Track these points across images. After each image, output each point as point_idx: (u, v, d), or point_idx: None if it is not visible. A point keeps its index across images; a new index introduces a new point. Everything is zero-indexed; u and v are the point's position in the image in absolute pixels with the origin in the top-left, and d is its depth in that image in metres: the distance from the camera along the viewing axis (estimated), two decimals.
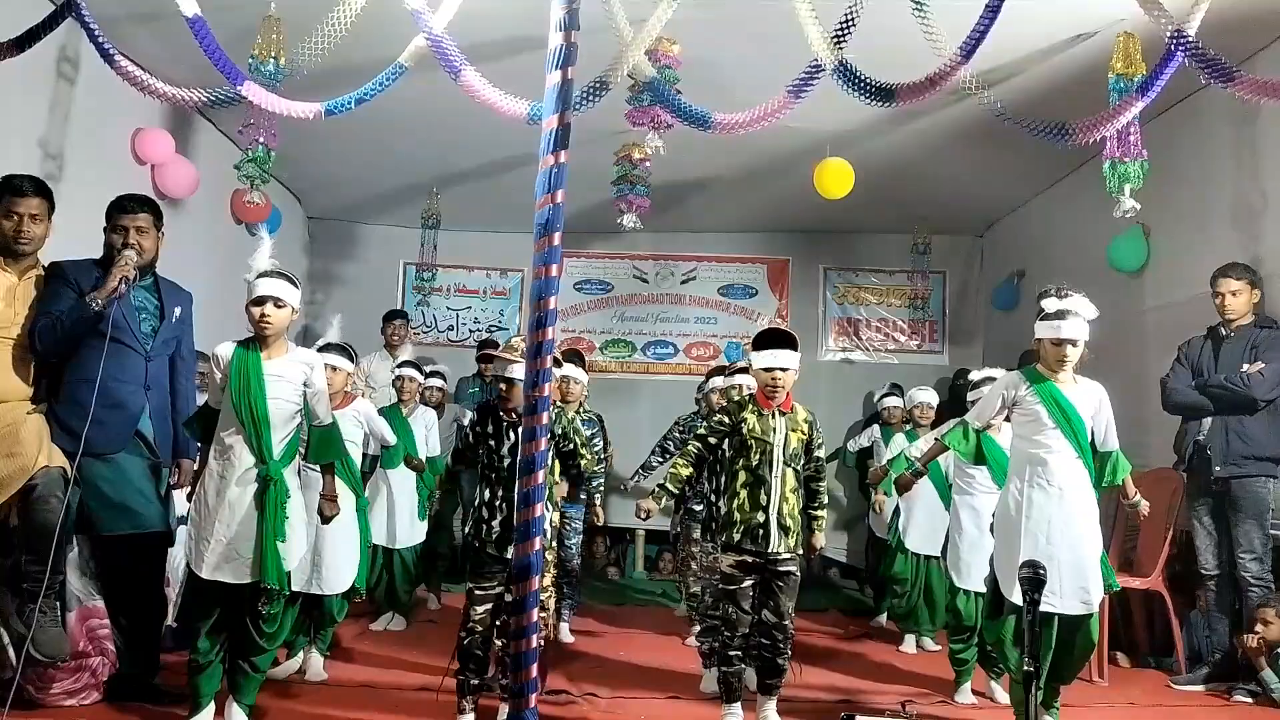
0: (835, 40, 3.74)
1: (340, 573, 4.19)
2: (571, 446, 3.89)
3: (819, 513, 3.94)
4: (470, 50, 4.07)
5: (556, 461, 3.98)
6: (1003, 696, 4.14)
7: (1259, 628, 4.27)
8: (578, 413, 5.45)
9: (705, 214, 8.15)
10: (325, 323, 8.50)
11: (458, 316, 8.93)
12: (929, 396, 5.90)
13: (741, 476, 3.76)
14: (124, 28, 4.67)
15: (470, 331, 8.83)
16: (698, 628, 4.86)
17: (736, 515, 3.73)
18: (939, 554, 4.89)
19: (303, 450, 3.57)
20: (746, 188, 7.43)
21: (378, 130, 6.23)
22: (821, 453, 3.95)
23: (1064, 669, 3.50)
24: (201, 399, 3.96)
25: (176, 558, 4.00)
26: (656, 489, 3.92)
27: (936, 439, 4.12)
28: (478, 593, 3.60)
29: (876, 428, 6.98)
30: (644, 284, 8.91)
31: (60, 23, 4.23)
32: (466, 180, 7.37)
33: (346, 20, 4.01)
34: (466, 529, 3.72)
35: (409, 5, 3.99)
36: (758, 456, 3.74)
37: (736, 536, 3.70)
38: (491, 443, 3.69)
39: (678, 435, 5.86)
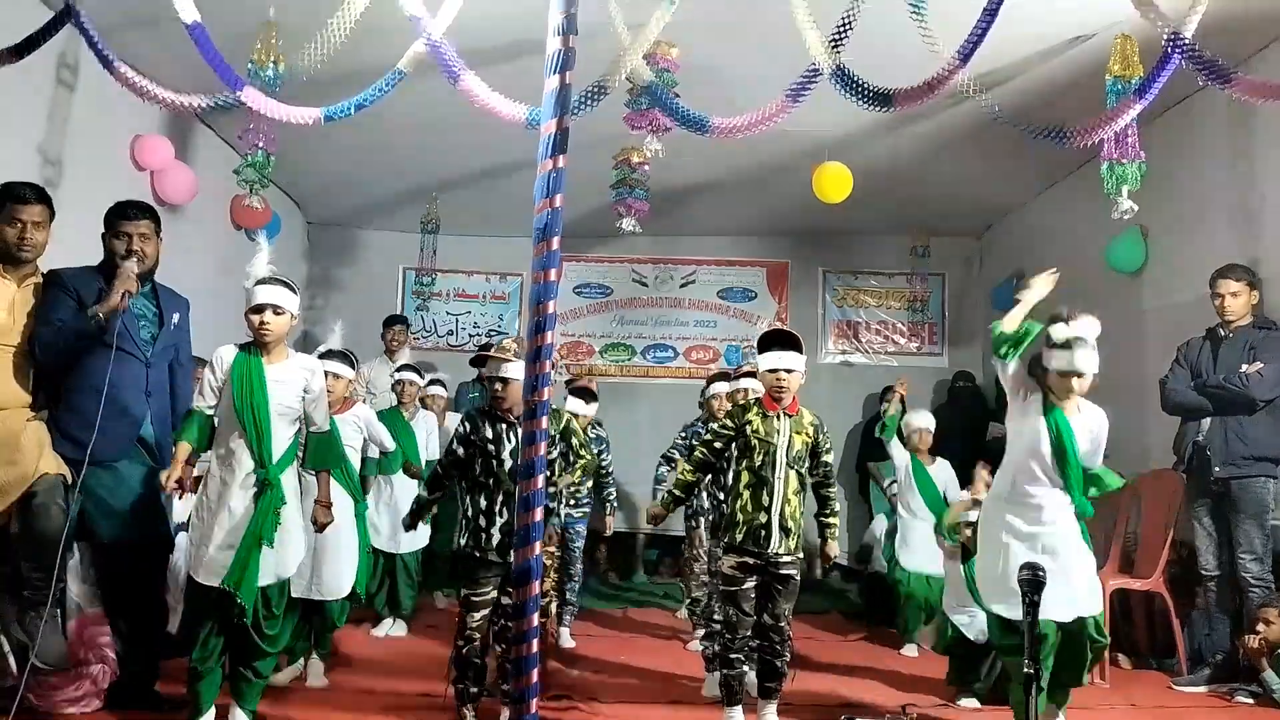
0: (833, 44, 3.75)
1: (339, 578, 4.19)
2: (565, 448, 3.92)
3: (831, 520, 3.92)
4: (469, 55, 4.07)
5: (560, 459, 3.99)
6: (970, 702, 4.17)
7: (1261, 628, 4.26)
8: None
9: (704, 217, 8.16)
10: (326, 328, 8.52)
11: (457, 321, 8.94)
12: (925, 421, 5.72)
13: (745, 477, 3.76)
14: (123, 34, 4.68)
15: (470, 336, 8.83)
16: (700, 632, 4.86)
17: (739, 516, 3.73)
18: (939, 572, 4.97)
19: (301, 455, 3.57)
20: (745, 191, 7.44)
21: (377, 136, 6.24)
22: (830, 458, 3.94)
23: (1066, 673, 3.49)
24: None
25: (178, 565, 4.00)
26: (665, 495, 3.97)
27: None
28: (474, 599, 3.58)
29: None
30: (643, 288, 8.92)
31: (59, 29, 4.24)
32: (466, 185, 7.38)
33: (346, 26, 4.02)
34: (461, 539, 3.66)
35: (408, 11, 4.00)
36: (761, 457, 3.74)
37: (739, 537, 3.70)
38: (491, 447, 3.67)
39: (681, 443, 5.85)
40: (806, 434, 3.82)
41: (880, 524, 6.23)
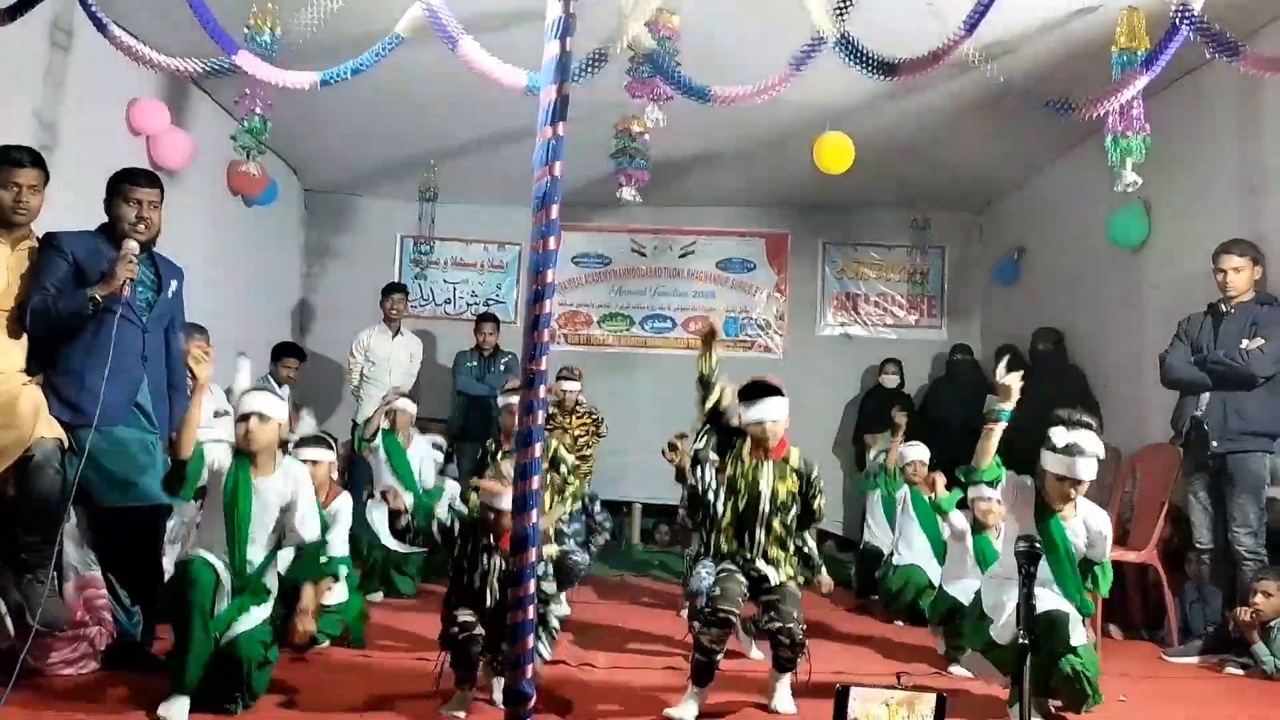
0: (837, 13, 3.70)
1: None
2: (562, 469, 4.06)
3: (810, 547, 3.83)
4: (467, 20, 4.03)
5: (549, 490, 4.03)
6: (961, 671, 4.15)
7: (1257, 599, 4.29)
8: (574, 413, 5.69)
9: (704, 188, 8.11)
10: (323, 296, 8.57)
11: (455, 290, 8.91)
12: (920, 454, 5.63)
13: (728, 516, 3.68)
14: None
15: (468, 305, 8.81)
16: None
17: (723, 544, 3.68)
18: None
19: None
20: (746, 162, 7.39)
21: (375, 102, 6.19)
22: (823, 502, 3.79)
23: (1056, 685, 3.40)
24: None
25: (174, 529, 4.02)
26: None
27: None
28: (456, 600, 3.48)
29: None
30: (642, 258, 8.88)
31: None
32: (464, 153, 7.33)
33: None
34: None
35: None
36: (744, 502, 3.65)
37: (725, 550, 3.67)
38: (465, 563, 3.53)
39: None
40: (791, 483, 3.69)
41: (875, 504, 6.21)
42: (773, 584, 3.59)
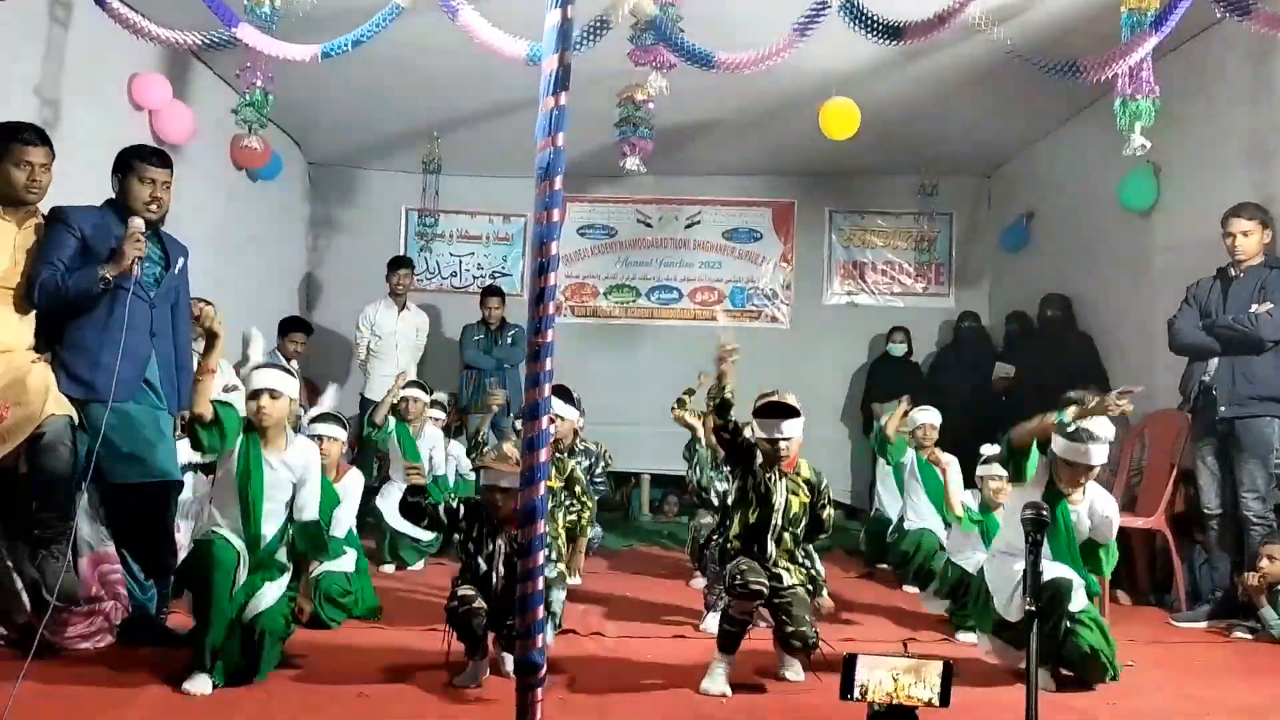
0: None
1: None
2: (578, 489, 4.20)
3: (816, 566, 3.83)
4: None
5: (559, 510, 4.04)
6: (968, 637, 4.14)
7: (1264, 563, 4.30)
8: (573, 446, 5.16)
9: (709, 156, 8.05)
10: (328, 270, 8.55)
11: (460, 263, 8.88)
12: (931, 417, 5.59)
13: (736, 528, 3.64)
14: None
15: (473, 278, 8.78)
16: (701, 581, 4.91)
17: (736, 546, 3.64)
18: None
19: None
20: (751, 129, 7.33)
21: (377, 74, 6.15)
22: (830, 511, 3.74)
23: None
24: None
25: (187, 504, 4.04)
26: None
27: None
28: (462, 580, 3.51)
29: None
30: (648, 228, 8.83)
31: None
32: (467, 124, 7.28)
33: None
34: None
35: None
36: (755, 515, 3.59)
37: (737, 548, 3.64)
38: (471, 546, 3.53)
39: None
40: (803, 495, 3.63)
41: (885, 473, 6.20)
42: (784, 585, 3.53)
